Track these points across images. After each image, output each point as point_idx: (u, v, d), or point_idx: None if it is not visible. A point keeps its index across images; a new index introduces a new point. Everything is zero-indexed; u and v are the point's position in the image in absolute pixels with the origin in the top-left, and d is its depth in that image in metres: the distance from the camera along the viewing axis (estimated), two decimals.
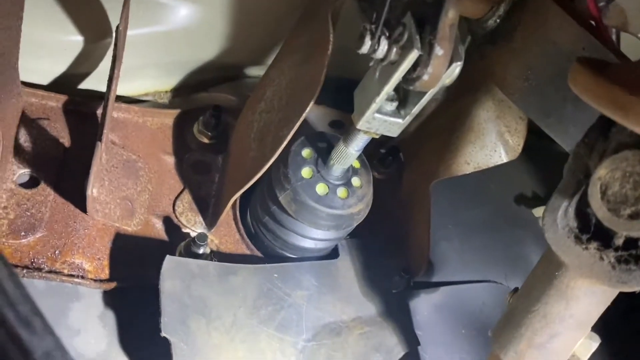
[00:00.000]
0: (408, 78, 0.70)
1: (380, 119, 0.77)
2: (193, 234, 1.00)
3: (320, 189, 0.92)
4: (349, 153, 0.88)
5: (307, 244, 0.99)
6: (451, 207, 1.17)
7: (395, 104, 0.78)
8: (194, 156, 1.06)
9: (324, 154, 0.94)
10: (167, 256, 0.84)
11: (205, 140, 1.08)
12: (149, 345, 0.83)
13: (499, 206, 1.23)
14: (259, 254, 1.03)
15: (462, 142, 1.05)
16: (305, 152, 0.94)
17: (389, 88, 0.72)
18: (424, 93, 0.73)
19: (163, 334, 0.77)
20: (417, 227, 1.11)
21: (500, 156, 1.04)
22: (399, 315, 1.02)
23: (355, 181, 0.95)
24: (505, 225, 1.21)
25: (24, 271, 0.77)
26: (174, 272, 0.83)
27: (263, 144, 0.91)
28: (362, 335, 0.97)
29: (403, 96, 0.78)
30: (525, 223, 1.21)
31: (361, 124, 0.78)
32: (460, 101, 1.06)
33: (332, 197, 0.92)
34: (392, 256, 1.09)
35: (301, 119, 0.85)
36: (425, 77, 0.67)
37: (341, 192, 0.93)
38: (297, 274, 0.98)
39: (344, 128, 1.14)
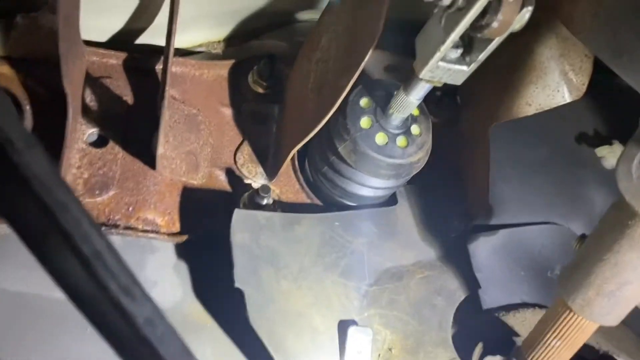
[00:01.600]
0: (476, 25, 0.67)
1: (444, 67, 0.76)
2: (255, 185, 1.02)
3: (380, 138, 0.92)
4: (409, 102, 0.86)
5: (366, 192, 1.00)
6: (509, 147, 1.15)
7: (460, 50, 0.76)
8: (251, 107, 1.07)
9: (382, 103, 0.93)
10: (236, 210, 0.86)
11: (261, 90, 1.08)
12: (221, 292, 0.87)
13: (559, 145, 1.20)
14: (318, 202, 1.05)
15: (523, 82, 1.02)
16: (364, 102, 0.93)
17: (454, 36, 0.70)
18: (492, 40, 0.71)
19: (236, 285, 0.81)
20: (475, 171, 1.10)
21: (564, 96, 1.01)
22: (458, 260, 1.03)
23: (415, 129, 0.94)
24: (566, 165, 1.18)
25: (103, 228, 0.82)
26: (242, 224, 0.85)
27: (321, 95, 0.91)
28: (423, 279, 0.99)
29: (468, 42, 0.76)
30: (587, 163, 1.18)
31: (424, 73, 0.77)
32: (521, 39, 1.01)
33: (391, 146, 0.92)
34: (450, 200, 1.09)
35: (360, 69, 0.84)
36: (495, 25, 0.65)
37: (401, 141, 0.93)
38: (357, 222, 1.00)
39: (400, 73, 1.12)
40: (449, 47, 0.72)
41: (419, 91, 0.84)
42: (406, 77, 0.85)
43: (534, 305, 1.05)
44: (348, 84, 0.84)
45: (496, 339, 0.97)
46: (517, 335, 0.98)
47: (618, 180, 0.66)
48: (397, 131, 0.92)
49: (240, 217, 0.86)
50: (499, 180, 1.12)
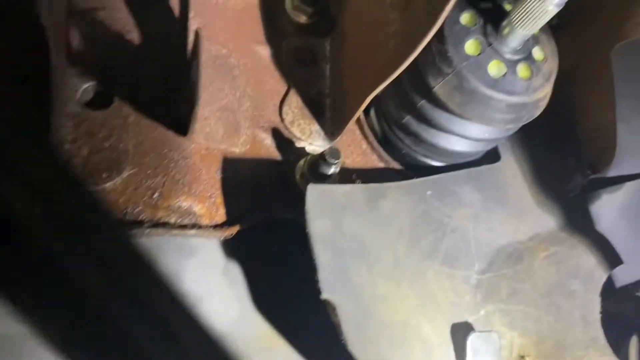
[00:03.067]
0: None
1: None
2: (310, 148, 0.76)
3: (494, 68, 0.66)
4: (546, 10, 0.60)
5: (464, 146, 0.74)
6: (627, 76, 0.89)
7: None
8: (293, 43, 0.80)
9: (493, 17, 0.66)
10: (310, 185, 0.60)
11: (304, 19, 0.81)
12: (290, 302, 0.62)
13: None
14: (395, 165, 0.79)
15: None
16: (466, 17, 0.67)
17: None
18: None
19: (324, 297, 0.55)
20: (593, 109, 0.84)
21: None
22: (585, 227, 0.79)
23: (538, 53, 0.68)
24: None
25: (119, 229, 0.55)
26: (320, 207, 0.59)
27: (412, 11, 0.64)
28: (549, 257, 0.74)
29: None
30: None
31: None
32: None
33: (511, 78, 0.65)
34: (564, 150, 0.84)
35: None
36: None
37: (522, 70, 0.66)
38: (454, 188, 0.74)
39: None
40: None
41: None
42: None
43: None
44: None
45: None
46: None
47: None
48: (516, 57, 0.66)
49: (316, 196, 0.60)
50: (620, 119, 0.87)
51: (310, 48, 0.80)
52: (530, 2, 0.60)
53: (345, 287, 0.58)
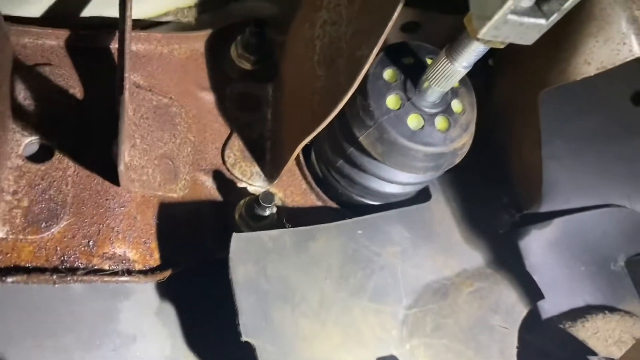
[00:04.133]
0: None
1: (514, 22, 0.54)
2: (251, 189, 0.81)
3: (413, 121, 0.70)
4: (454, 71, 0.65)
5: (394, 189, 0.79)
6: (556, 117, 0.94)
7: None
8: (237, 88, 0.85)
9: (413, 74, 0.71)
10: (234, 234, 0.65)
11: (248, 67, 0.86)
12: (221, 341, 0.66)
13: (613, 110, 0.99)
14: (333, 204, 0.84)
15: (579, 36, 0.81)
16: (388, 74, 0.71)
17: None
18: None
19: (244, 339, 0.60)
20: (522, 149, 0.90)
21: (631, 49, 0.80)
22: (511, 262, 0.84)
23: (456, 105, 0.73)
24: (623, 133, 0.98)
25: (54, 276, 0.59)
26: (244, 253, 0.64)
27: (334, 70, 0.69)
28: (473, 293, 0.79)
29: None
30: None
31: (485, 32, 0.55)
32: None
33: (429, 130, 0.70)
34: (494, 188, 0.89)
35: (387, 31, 0.62)
36: None
37: (440, 122, 0.71)
38: (384, 227, 0.79)
39: (421, 33, 0.89)
40: None
41: (469, 56, 0.62)
42: (451, 38, 0.63)
43: (602, 309, 0.86)
44: (371, 54, 0.64)
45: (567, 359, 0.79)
46: (592, 352, 0.79)
47: None
48: (434, 110, 0.71)
49: (240, 243, 0.64)
50: (548, 158, 0.92)
51: (254, 93, 0.85)
52: (442, 64, 0.65)
53: (266, 330, 0.62)
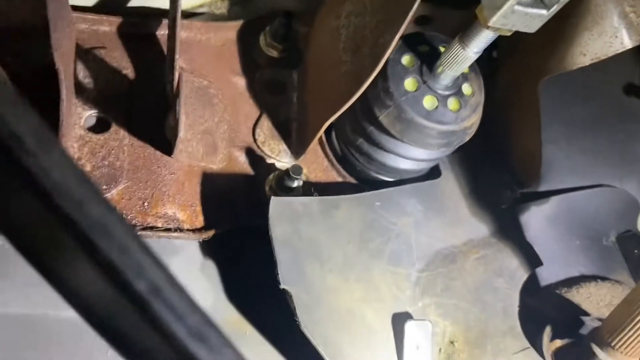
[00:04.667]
0: None
1: (520, 12, 0.63)
2: (279, 164, 0.89)
3: (428, 102, 0.79)
4: (466, 57, 0.73)
5: (408, 165, 0.88)
6: (555, 104, 1.03)
7: None
8: (265, 74, 0.93)
9: (428, 59, 0.80)
10: (273, 198, 0.73)
11: (275, 54, 0.94)
12: (258, 293, 0.75)
13: (607, 99, 1.08)
14: (351, 179, 0.92)
15: (576, 30, 0.89)
16: (406, 59, 0.80)
17: None
18: None
19: (282, 287, 0.68)
20: (523, 133, 0.98)
21: (622, 42, 0.89)
22: (513, 234, 0.92)
23: (467, 88, 0.82)
24: (616, 120, 1.07)
25: None
26: (281, 215, 0.73)
27: (359, 55, 0.77)
28: (479, 259, 0.88)
29: None
30: (638, 116, 1.07)
31: (495, 20, 0.63)
32: None
33: (442, 110, 0.79)
34: (497, 168, 0.97)
35: (407, 21, 0.70)
36: None
37: (452, 103, 0.80)
38: (400, 200, 0.87)
39: (433, 25, 0.98)
40: None
41: (480, 42, 0.71)
42: (462, 27, 0.72)
43: (595, 278, 0.95)
44: (393, 40, 0.71)
45: (563, 319, 0.87)
46: (585, 313, 0.88)
47: None
48: (447, 92, 0.80)
49: (278, 206, 0.73)
50: (546, 141, 1.01)
51: (280, 79, 0.93)
52: (455, 50, 0.73)
53: (300, 280, 0.71)
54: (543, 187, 0.99)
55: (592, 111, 1.08)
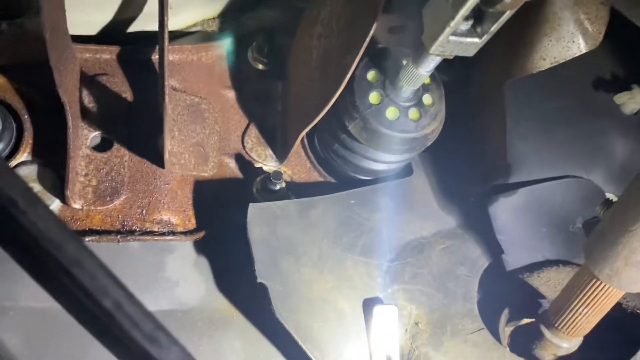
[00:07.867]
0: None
1: (455, 41, 0.71)
2: (266, 168, 1.00)
3: (391, 113, 0.88)
4: (419, 75, 0.82)
5: (380, 167, 0.98)
6: (524, 102, 1.10)
7: (470, 22, 0.71)
8: (253, 86, 1.03)
9: (391, 74, 0.89)
10: (250, 204, 0.85)
11: (261, 67, 1.04)
12: (244, 285, 0.87)
13: (575, 95, 1.15)
14: (331, 179, 1.03)
15: (536, 36, 0.97)
16: (371, 75, 0.89)
17: (465, 11, 0.66)
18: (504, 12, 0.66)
19: (259, 280, 0.80)
20: (491, 130, 1.06)
21: (579, 47, 0.96)
22: (479, 225, 1.02)
23: (427, 99, 0.90)
24: (583, 115, 1.13)
25: (119, 236, 0.81)
26: (258, 218, 0.84)
27: (326, 74, 0.87)
28: (444, 249, 0.98)
29: (479, 13, 0.71)
30: (605, 111, 1.13)
31: (434, 49, 0.72)
32: None
33: (403, 120, 0.88)
34: (467, 164, 1.06)
35: (366, 43, 0.80)
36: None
37: (413, 113, 0.89)
38: (373, 198, 0.98)
39: (406, 35, 1.06)
40: (459, 23, 0.68)
41: (429, 64, 0.80)
42: (414, 41, 0.81)
43: (557, 263, 1.04)
44: (354, 62, 0.81)
45: (522, 302, 0.97)
46: (542, 297, 0.97)
47: None
48: (408, 103, 0.89)
49: (255, 211, 0.84)
50: (515, 137, 1.09)
51: (266, 90, 1.03)
52: (409, 70, 0.82)
53: (276, 274, 0.83)
54: (512, 180, 1.07)
55: (561, 106, 1.15)
